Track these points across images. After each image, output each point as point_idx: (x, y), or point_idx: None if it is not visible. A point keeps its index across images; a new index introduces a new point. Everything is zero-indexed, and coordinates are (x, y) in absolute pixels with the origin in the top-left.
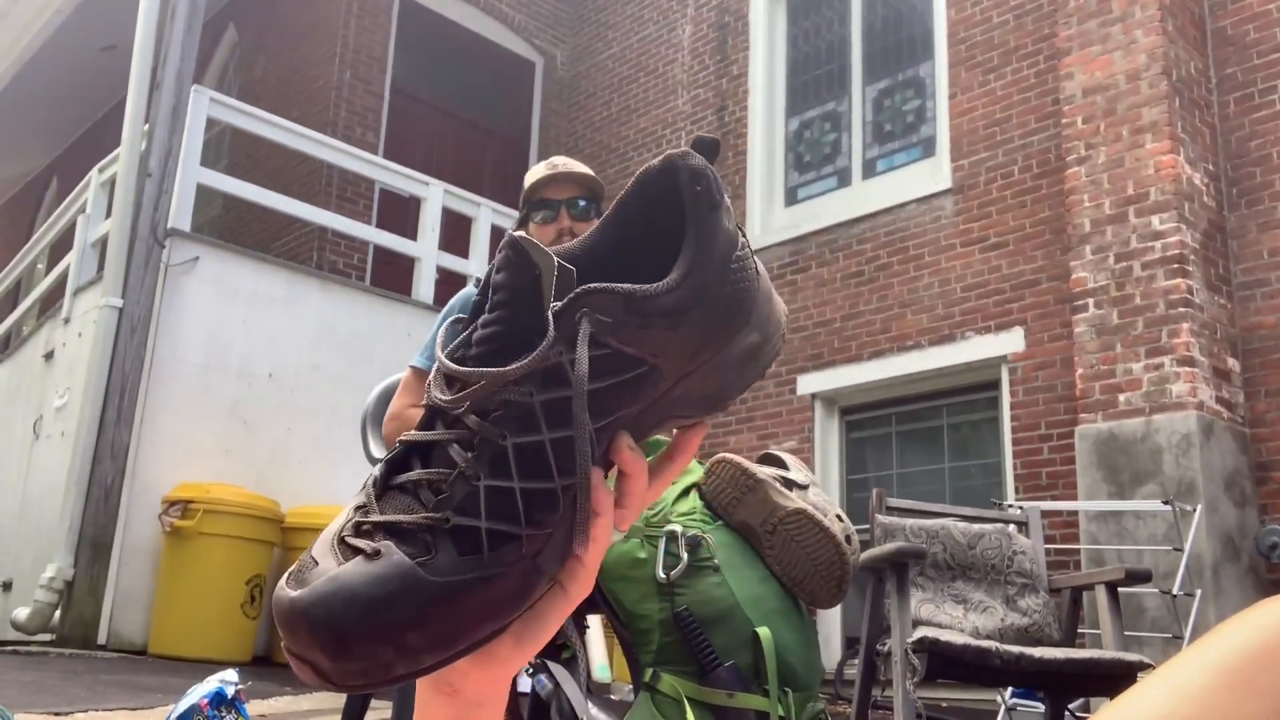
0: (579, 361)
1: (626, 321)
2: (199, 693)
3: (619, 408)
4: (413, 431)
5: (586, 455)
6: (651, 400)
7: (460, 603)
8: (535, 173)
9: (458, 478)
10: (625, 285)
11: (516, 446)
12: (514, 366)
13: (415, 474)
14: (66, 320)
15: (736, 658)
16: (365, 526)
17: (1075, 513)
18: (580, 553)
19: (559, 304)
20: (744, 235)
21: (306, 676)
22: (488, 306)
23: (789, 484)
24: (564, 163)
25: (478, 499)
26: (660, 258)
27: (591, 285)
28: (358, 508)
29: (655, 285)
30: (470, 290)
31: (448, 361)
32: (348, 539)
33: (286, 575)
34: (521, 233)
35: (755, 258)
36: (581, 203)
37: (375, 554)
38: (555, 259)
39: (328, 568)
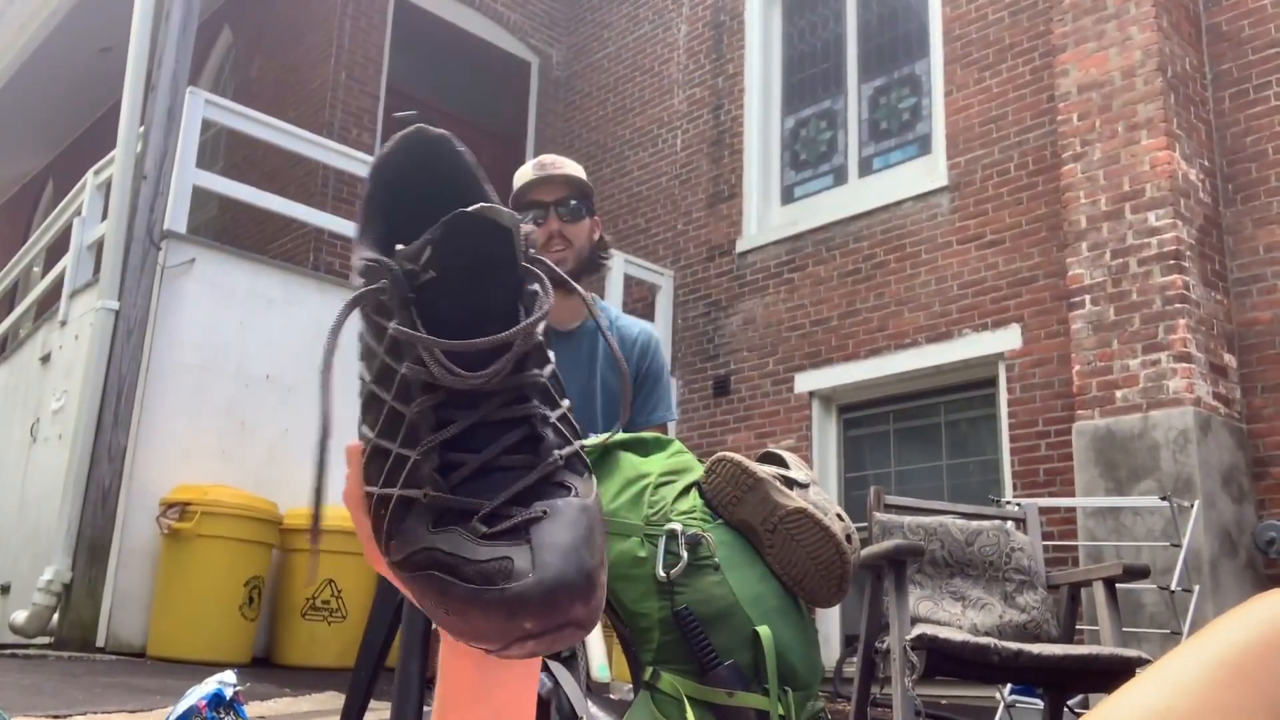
0: (593, 300)
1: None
2: (197, 694)
3: None
4: (444, 431)
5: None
6: None
7: (600, 509)
8: (523, 174)
9: (540, 423)
10: (530, 227)
11: (550, 376)
12: (542, 312)
13: (485, 456)
14: (63, 323)
15: (736, 656)
16: (488, 513)
17: (1073, 509)
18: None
19: (526, 253)
20: None
21: (566, 640)
22: (440, 278)
23: (789, 483)
24: (552, 162)
25: (561, 430)
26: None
27: (525, 233)
28: (442, 518)
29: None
30: None
31: (447, 341)
32: (494, 530)
33: (486, 590)
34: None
35: None
36: (572, 203)
37: (544, 514)
38: (513, 212)
39: (520, 551)
